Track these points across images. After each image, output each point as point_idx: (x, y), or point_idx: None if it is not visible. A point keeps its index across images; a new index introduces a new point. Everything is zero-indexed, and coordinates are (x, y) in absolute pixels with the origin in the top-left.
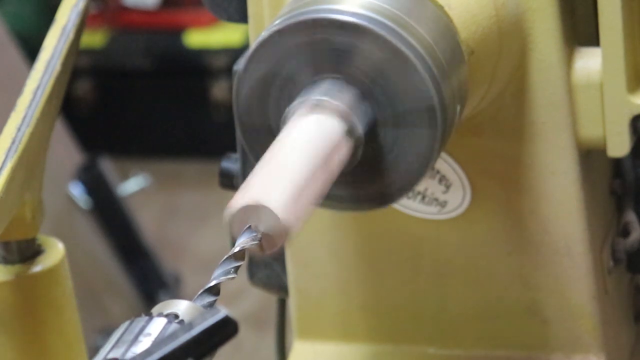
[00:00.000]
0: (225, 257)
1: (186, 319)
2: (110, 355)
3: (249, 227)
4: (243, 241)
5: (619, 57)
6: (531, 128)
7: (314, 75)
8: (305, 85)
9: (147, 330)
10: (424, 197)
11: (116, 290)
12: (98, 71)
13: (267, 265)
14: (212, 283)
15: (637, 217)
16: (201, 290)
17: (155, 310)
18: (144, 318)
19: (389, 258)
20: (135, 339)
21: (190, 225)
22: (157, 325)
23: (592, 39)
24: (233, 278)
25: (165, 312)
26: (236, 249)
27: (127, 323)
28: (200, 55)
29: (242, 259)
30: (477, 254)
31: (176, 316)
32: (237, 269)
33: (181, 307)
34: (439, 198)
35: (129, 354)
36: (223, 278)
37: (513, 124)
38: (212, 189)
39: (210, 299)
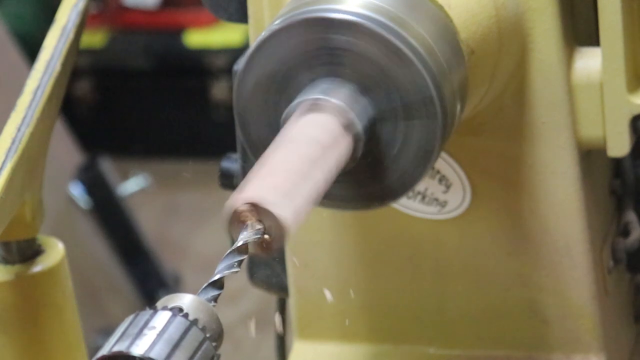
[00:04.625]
0: (229, 250)
1: (190, 313)
2: (116, 349)
3: (251, 221)
4: (246, 235)
5: (619, 57)
6: (531, 128)
7: (313, 75)
8: (305, 84)
9: (151, 324)
10: (424, 197)
11: (116, 290)
12: (98, 71)
13: (267, 265)
14: (216, 277)
15: (637, 217)
16: (205, 284)
17: (159, 304)
18: (149, 311)
19: (389, 258)
20: (139, 332)
21: (190, 225)
22: (161, 319)
23: (592, 39)
24: (237, 272)
25: (169, 306)
26: (239, 243)
27: (131, 317)
28: (200, 55)
29: (245, 252)
30: (477, 254)
31: (180, 310)
32: (240, 262)
33: (185, 300)
34: (439, 198)
35: (134, 347)
36: (227, 272)
37: (513, 124)
38: (212, 189)
39: (215, 292)
